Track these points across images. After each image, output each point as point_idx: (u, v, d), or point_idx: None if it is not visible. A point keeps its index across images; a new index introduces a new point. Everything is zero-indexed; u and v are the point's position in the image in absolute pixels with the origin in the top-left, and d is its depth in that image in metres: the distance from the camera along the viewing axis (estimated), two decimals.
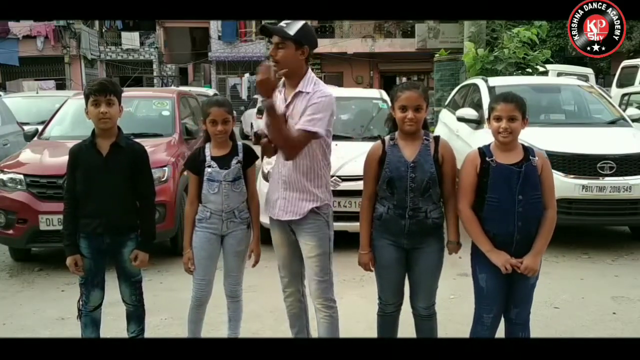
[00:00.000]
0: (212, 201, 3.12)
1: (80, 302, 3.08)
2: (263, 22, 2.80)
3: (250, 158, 3.21)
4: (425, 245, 2.86)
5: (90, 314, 3.08)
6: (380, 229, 2.90)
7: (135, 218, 3.05)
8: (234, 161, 3.14)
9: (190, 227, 3.18)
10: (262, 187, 5.24)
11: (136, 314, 3.16)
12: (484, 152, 2.76)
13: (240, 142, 3.23)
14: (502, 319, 2.87)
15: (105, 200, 2.94)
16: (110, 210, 2.95)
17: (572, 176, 5.47)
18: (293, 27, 2.75)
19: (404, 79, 25.19)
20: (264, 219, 3.15)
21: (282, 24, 2.79)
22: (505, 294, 2.80)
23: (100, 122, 2.92)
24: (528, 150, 2.76)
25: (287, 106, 2.81)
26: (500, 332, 2.90)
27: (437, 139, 2.89)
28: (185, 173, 3.91)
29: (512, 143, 2.73)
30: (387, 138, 2.90)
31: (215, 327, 3.69)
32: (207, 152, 3.14)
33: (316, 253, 2.88)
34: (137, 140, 3.22)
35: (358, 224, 2.98)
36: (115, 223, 2.98)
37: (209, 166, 3.11)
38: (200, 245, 3.16)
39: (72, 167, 2.99)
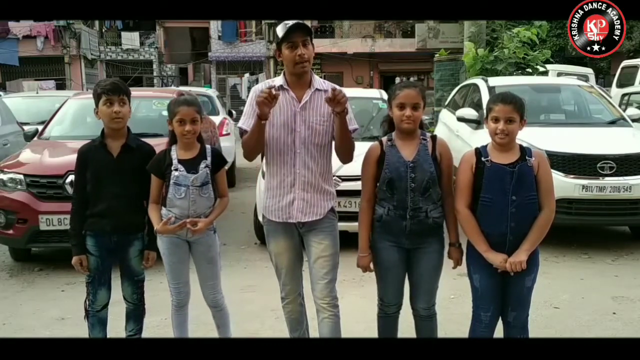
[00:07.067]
0: (177, 206, 2.95)
1: (87, 302, 3.08)
2: (293, 22, 2.72)
3: (218, 163, 3.06)
4: (426, 245, 2.85)
5: (97, 314, 3.09)
6: (381, 231, 2.87)
7: (143, 217, 3.05)
8: (202, 165, 2.98)
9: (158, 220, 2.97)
10: (261, 186, 5.25)
11: (136, 312, 3.16)
12: (480, 152, 2.75)
13: (208, 146, 3.08)
14: (500, 322, 2.86)
15: (115, 200, 2.95)
16: (119, 210, 2.96)
17: (572, 176, 5.48)
18: (306, 25, 2.75)
19: (404, 79, 25.22)
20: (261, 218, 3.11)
21: (292, 22, 2.73)
22: (501, 294, 2.78)
23: (112, 122, 2.94)
24: (525, 151, 2.73)
25: (303, 104, 2.79)
26: (499, 335, 2.89)
27: (434, 137, 2.88)
28: None
29: (510, 144, 2.71)
30: (384, 139, 2.87)
31: (212, 327, 3.69)
32: (174, 155, 2.97)
33: (330, 252, 2.88)
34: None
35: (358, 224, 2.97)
36: (124, 222, 2.99)
37: (176, 169, 2.94)
38: (170, 250, 3.04)
39: (82, 167, 3.01)
